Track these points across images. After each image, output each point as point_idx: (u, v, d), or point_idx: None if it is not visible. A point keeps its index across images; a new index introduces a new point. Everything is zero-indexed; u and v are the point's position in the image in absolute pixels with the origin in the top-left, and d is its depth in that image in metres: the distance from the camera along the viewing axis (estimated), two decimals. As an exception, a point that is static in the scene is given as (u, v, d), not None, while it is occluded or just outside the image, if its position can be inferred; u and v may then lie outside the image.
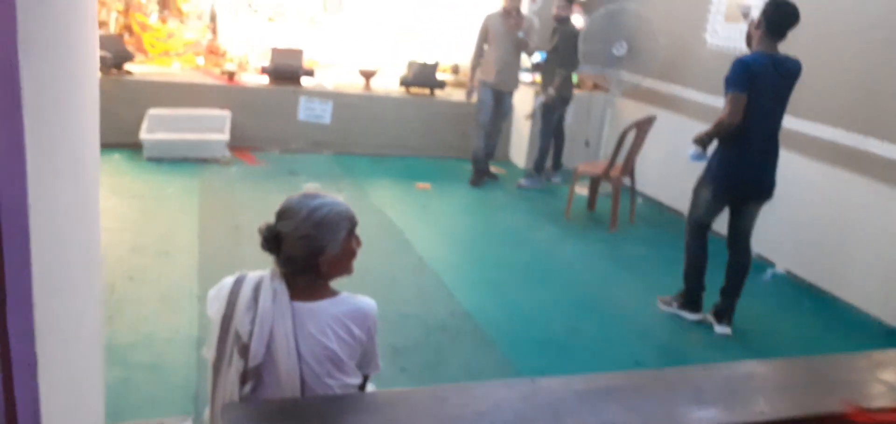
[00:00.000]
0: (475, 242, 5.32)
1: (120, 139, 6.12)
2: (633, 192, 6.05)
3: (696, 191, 4.14)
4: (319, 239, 1.70)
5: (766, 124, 3.80)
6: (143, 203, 4.97)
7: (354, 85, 7.39)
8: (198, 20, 8.01)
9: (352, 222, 1.77)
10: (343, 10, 9.37)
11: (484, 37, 6.29)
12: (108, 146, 6.11)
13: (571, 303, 4.29)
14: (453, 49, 9.23)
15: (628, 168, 5.84)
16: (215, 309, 1.71)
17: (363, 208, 5.57)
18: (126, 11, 7.57)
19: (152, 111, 6.20)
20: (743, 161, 3.84)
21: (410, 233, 5.09)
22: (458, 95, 7.58)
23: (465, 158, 7.25)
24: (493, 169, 6.83)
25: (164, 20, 7.80)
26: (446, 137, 7.30)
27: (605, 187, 6.28)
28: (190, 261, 4.14)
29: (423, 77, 7.36)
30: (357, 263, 1.81)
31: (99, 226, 2.10)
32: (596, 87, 7.47)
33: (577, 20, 6.73)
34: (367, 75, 7.36)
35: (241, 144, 6.56)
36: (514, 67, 6.37)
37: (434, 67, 7.45)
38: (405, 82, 7.34)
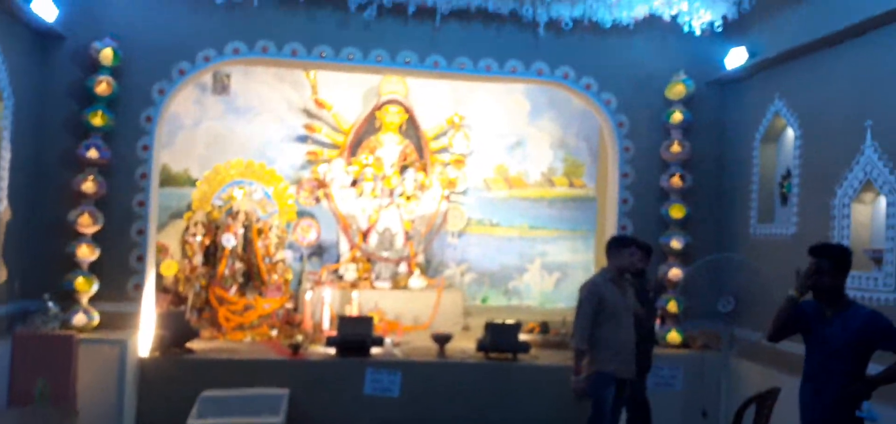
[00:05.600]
0: None
1: (172, 425, 5.72)
2: (762, 484, 4.71)
3: None
4: None
5: None
6: None
7: (428, 350, 6.75)
8: (277, 291, 7.90)
9: None
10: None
11: (594, 314, 4.74)
12: (156, 435, 5.73)
13: None
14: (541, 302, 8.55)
15: (752, 455, 4.60)
16: None
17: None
18: (207, 286, 7.61)
19: (206, 394, 5.82)
20: None
21: None
22: (546, 357, 6.70)
23: (553, 434, 6.18)
24: None
25: (242, 293, 7.74)
26: (530, 408, 6.32)
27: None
28: None
29: (502, 340, 6.58)
30: None
31: None
32: (706, 347, 6.36)
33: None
34: (442, 340, 6.72)
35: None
36: (634, 342, 4.91)
37: (516, 328, 6.69)
38: (482, 346, 6.58)
